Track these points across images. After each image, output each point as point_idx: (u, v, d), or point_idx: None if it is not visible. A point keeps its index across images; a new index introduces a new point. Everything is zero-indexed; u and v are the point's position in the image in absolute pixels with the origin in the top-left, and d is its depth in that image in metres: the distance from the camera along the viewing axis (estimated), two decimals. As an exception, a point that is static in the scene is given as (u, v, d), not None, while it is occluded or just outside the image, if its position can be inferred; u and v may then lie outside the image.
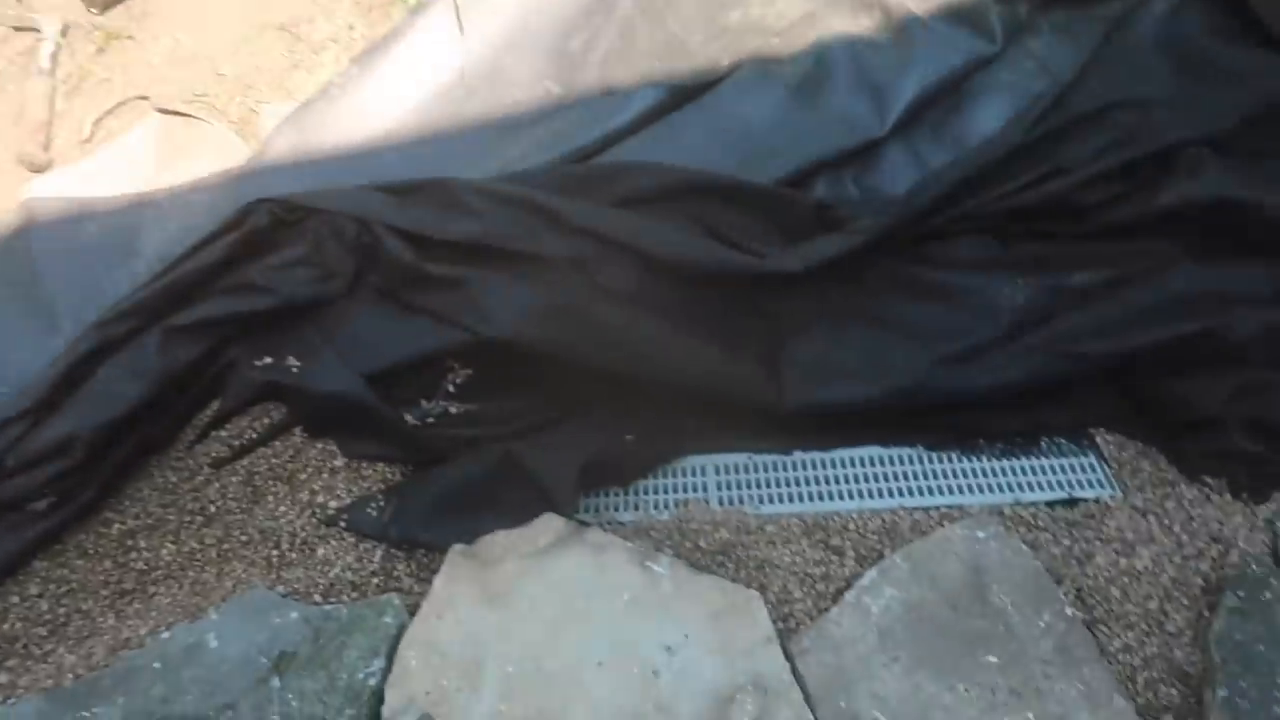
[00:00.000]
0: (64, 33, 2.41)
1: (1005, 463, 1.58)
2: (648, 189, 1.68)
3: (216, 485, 1.63)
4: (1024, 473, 1.56)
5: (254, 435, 1.66)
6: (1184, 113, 1.57)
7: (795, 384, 1.56)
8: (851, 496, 1.54)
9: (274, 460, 1.64)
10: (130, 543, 1.57)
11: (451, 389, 1.65)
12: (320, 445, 1.65)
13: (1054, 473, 1.55)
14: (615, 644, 1.26)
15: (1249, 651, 1.21)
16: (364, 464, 1.62)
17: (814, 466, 1.60)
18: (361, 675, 1.26)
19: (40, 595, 1.51)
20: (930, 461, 1.59)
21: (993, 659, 1.22)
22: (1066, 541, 1.44)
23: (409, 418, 1.62)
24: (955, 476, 1.56)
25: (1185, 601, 1.35)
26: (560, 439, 1.58)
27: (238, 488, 1.62)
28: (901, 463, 1.59)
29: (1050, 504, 1.50)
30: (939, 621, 1.27)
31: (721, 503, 1.54)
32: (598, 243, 1.59)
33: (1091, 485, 1.53)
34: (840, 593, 1.35)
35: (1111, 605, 1.34)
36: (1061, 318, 1.54)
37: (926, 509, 1.51)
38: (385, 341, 1.63)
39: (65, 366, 1.60)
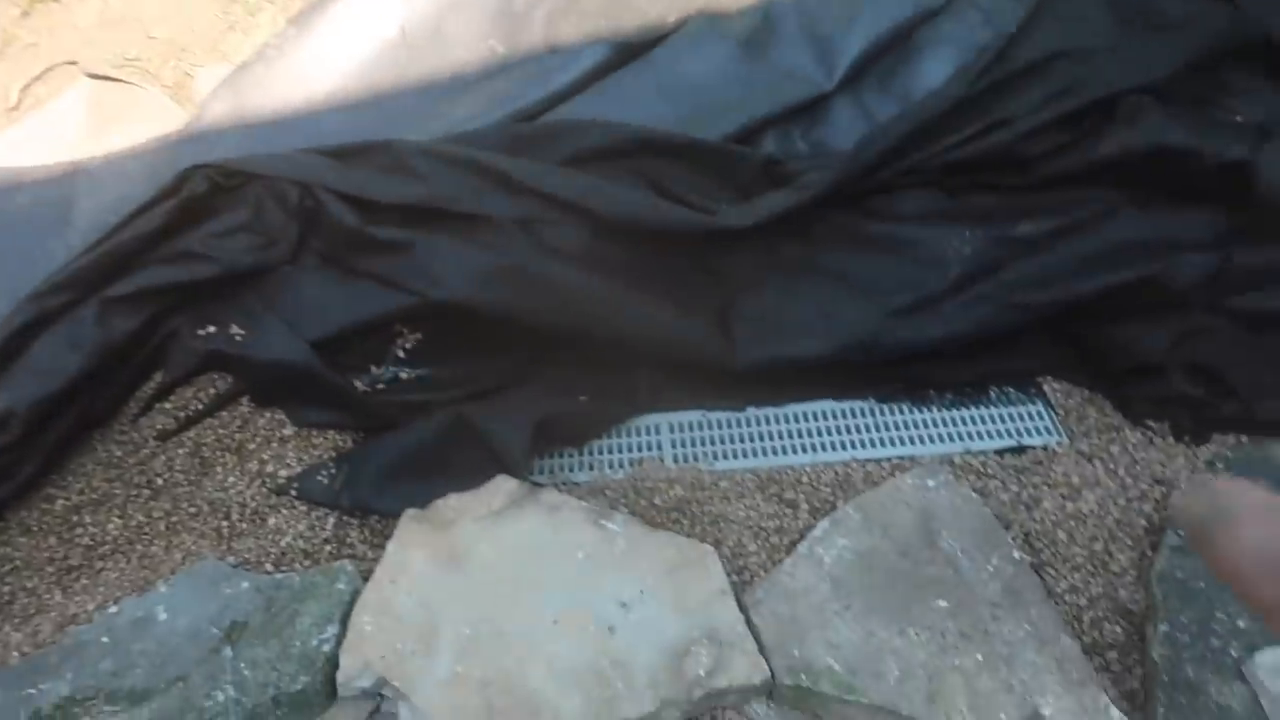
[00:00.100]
0: (-13, -4, 2.33)
1: (955, 413, 1.60)
2: (595, 147, 1.66)
3: (163, 458, 1.60)
4: (973, 422, 1.58)
5: (200, 406, 1.63)
6: (1125, 62, 1.58)
7: (747, 340, 1.56)
8: (805, 450, 1.55)
9: (221, 431, 1.62)
10: (75, 518, 1.54)
11: (401, 354, 1.63)
12: (268, 414, 1.63)
13: (1002, 421, 1.57)
14: (571, 602, 1.26)
15: (1188, 588, 1.24)
16: (314, 432, 1.60)
17: (767, 422, 1.60)
18: (315, 642, 1.25)
19: (-17, 574, 1.48)
20: (882, 414, 1.60)
21: (943, 603, 1.24)
22: (1015, 487, 1.46)
23: (358, 384, 1.60)
24: (906, 428, 1.58)
25: (1129, 542, 1.38)
26: (513, 401, 1.57)
27: (185, 459, 1.59)
28: (853, 415, 1.60)
29: (999, 452, 1.53)
30: (890, 569, 1.28)
31: (676, 460, 1.55)
32: (545, 203, 1.57)
33: (1039, 433, 1.55)
34: (794, 545, 1.37)
35: (1058, 548, 1.37)
36: (1008, 268, 1.55)
37: (878, 460, 1.53)
38: (331, 307, 1.60)
39: (0, 341, 1.56)
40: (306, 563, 1.43)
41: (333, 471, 1.52)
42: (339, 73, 1.98)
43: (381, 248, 1.59)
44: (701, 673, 1.17)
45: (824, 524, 1.35)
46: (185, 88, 2.12)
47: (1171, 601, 1.23)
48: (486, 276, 1.53)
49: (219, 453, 1.59)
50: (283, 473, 1.54)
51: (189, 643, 1.27)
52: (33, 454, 1.52)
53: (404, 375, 1.61)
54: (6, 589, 1.46)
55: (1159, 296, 1.51)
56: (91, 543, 1.51)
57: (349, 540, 1.47)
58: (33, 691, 1.23)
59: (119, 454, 1.60)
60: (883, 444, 1.55)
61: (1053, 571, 1.34)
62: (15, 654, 1.34)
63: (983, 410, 1.59)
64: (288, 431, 1.60)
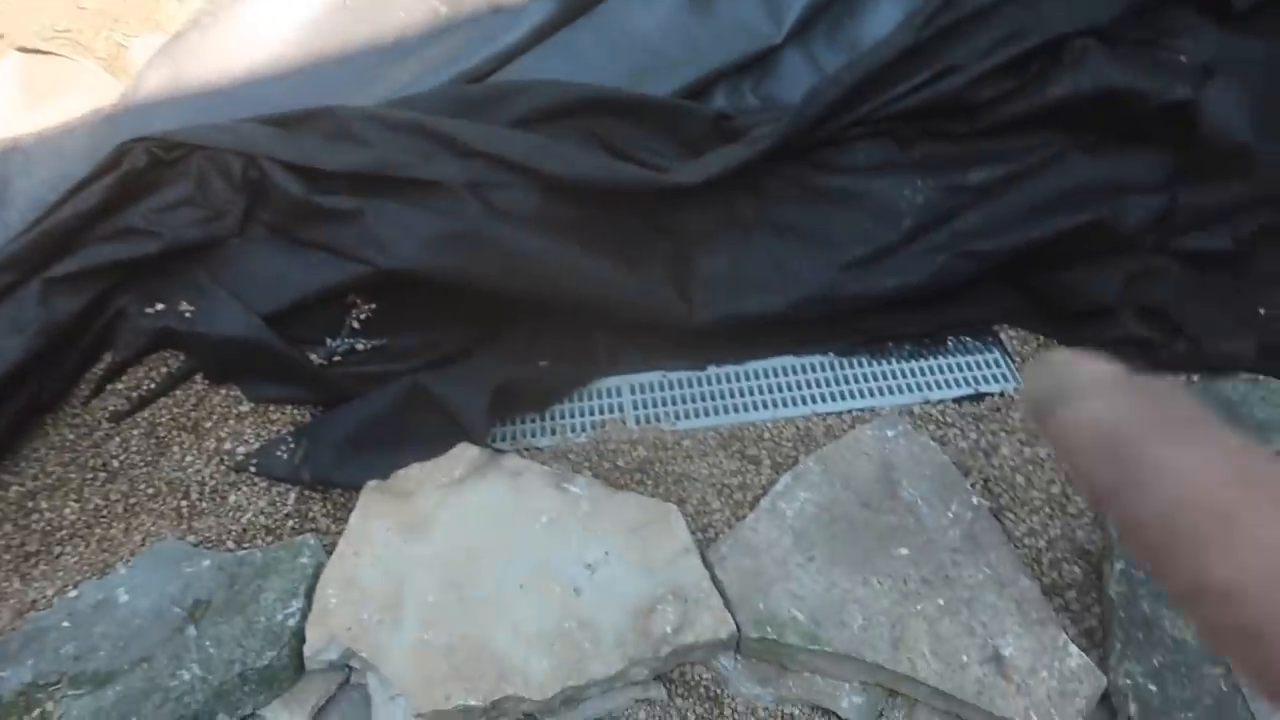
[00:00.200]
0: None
1: (913, 364, 1.61)
2: (543, 107, 1.63)
3: (118, 439, 1.57)
4: (932, 372, 1.59)
5: (152, 385, 1.60)
6: (1070, 5, 1.58)
7: (704, 299, 1.56)
8: (766, 407, 1.56)
9: (176, 410, 1.59)
10: (30, 504, 1.51)
11: (356, 325, 1.61)
12: (224, 391, 1.60)
13: (960, 370, 1.59)
14: (535, 566, 1.26)
15: (1143, 525, 1.27)
16: (271, 407, 1.58)
17: (728, 380, 1.61)
18: (280, 617, 1.24)
19: (-64, 564, 1.45)
20: (841, 368, 1.61)
21: (904, 551, 1.26)
22: (973, 435, 1.48)
23: (314, 357, 1.58)
24: (866, 380, 1.59)
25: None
26: (471, 368, 1.56)
27: (140, 440, 1.57)
28: (813, 370, 1.61)
29: (957, 400, 1.54)
30: (852, 519, 1.30)
31: (638, 421, 1.55)
32: (495, 165, 1.55)
33: (996, 380, 1.57)
34: (757, 500, 1.38)
35: (1017, 492, 1.39)
36: (961, 217, 1.56)
37: (839, 413, 1.54)
38: (282, 280, 1.57)
39: (-61, 327, 1.52)
40: (269, 539, 1.42)
41: (292, 446, 1.50)
42: (278, 38, 1.92)
43: (330, 217, 1.56)
44: (668, 630, 1.18)
45: (786, 478, 1.36)
46: (119, 59, 2.05)
47: (1126, 539, 1.26)
48: (438, 243, 1.51)
49: (175, 432, 1.57)
50: (241, 450, 1.52)
51: (152, 623, 1.26)
52: (-19, 441, 1.49)
53: (360, 346, 1.59)
54: (-38, 578, 1.44)
55: (1109, 239, 1.52)
56: (49, 528, 1.49)
57: (311, 514, 1.46)
58: (-7, 680, 1.21)
59: (72, 437, 1.58)
60: (843, 397, 1.56)
61: (1012, 516, 1.36)
62: (-26, 643, 1.33)
63: (941, 360, 1.61)
64: (244, 408, 1.58)
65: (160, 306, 1.58)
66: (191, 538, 1.41)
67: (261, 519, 1.43)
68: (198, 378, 1.62)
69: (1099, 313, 1.54)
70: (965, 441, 1.47)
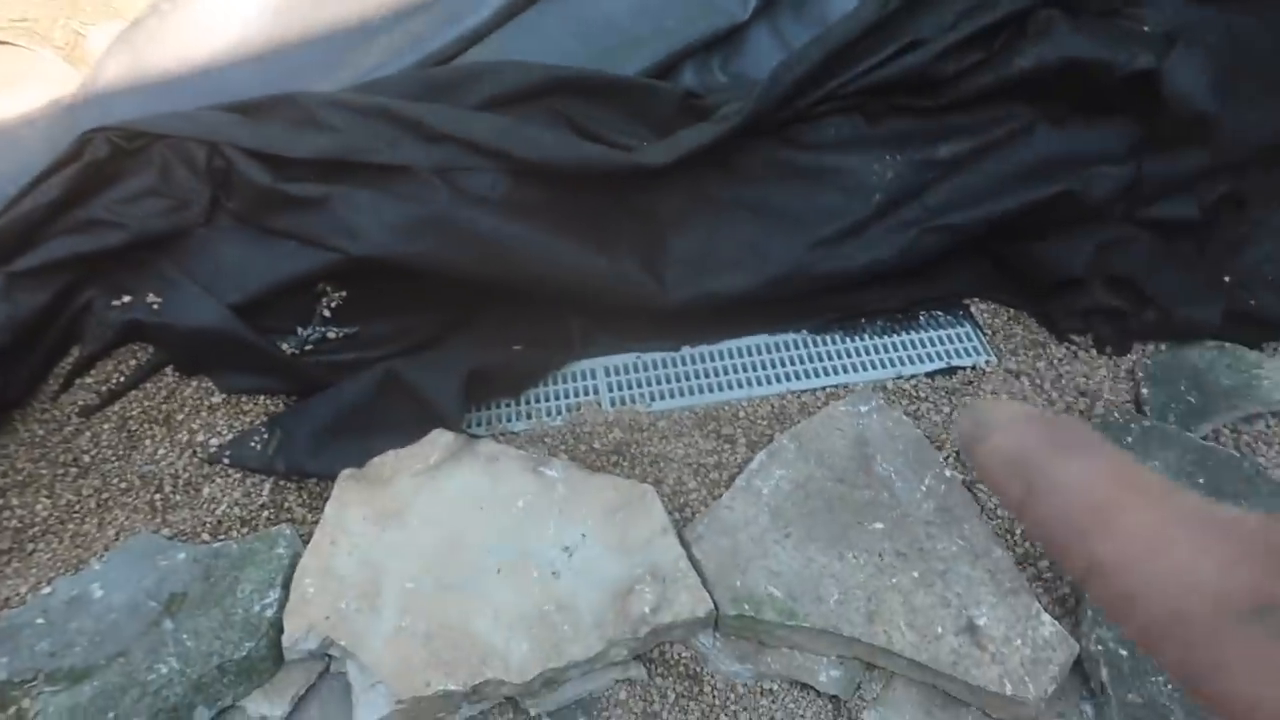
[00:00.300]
0: None
1: (886, 339, 1.62)
2: (511, 89, 1.62)
3: (88, 434, 1.55)
4: (904, 347, 1.60)
5: (122, 379, 1.59)
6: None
7: (677, 279, 1.55)
8: (740, 385, 1.56)
9: (147, 403, 1.58)
10: (1, 501, 1.49)
11: (327, 313, 1.59)
12: (195, 383, 1.59)
13: (932, 344, 1.60)
14: (513, 551, 1.26)
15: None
16: (243, 398, 1.57)
17: (702, 360, 1.61)
18: (258, 608, 1.24)
19: (-94, 564, 1.43)
20: (815, 345, 1.62)
21: (879, 525, 1.27)
22: (946, 408, 1.49)
23: (285, 346, 1.56)
24: (839, 357, 1.60)
25: (1057, 454, 1.41)
26: (444, 354, 1.55)
27: (111, 435, 1.55)
28: (787, 348, 1.61)
29: (930, 374, 1.55)
30: (827, 495, 1.31)
31: (613, 403, 1.55)
32: (463, 149, 1.53)
33: (968, 353, 1.58)
34: (733, 479, 1.38)
35: (989, 464, 1.40)
36: (931, 191, 1.56)
37: (813, 390, 1.55)
38: (250, 269, 1.56)
39: (-99, 324, 1.49)
40: (244, 530, 1.41)
41: (265, 436, 1.49)
42: (239, 24, 1.89)
43: (297, 204, 1.54)
44: (647, 610, 1.18)
45: (761, 456, 1.37)
46: (78, 48, 2.02)
47: (1096, 508, 1.27)
48: (407, 228, 1.50)
49: (146, 425, 1.56)
50: (214, 441, 1.51)
51: (128, 618, 1.25)
52: (-52, 439, 1.47)
53: (331, 334, 1.58)
54: (-66, 578, 1.42)
55: (1077, 210, 1.53)
56: (20, 525, 1.47)
57: (286, 504, 1.45)
58: (-32, 679, 1.20)
59: (42, 433, 1.56)
60: (816, 374, 1.57)
61: (984, 488, 1.38)
62: (-53, 643, 1.31)
63: (913, 335, 1.62)
64: (216, 399, 1.57)
65: (127, 299, 1.56)
66: (166, 531, 1.40)
67: (236, 510, 1.42)
68: (168, 370, 1.60)
69: (1069, 284, 1.55)
70: (938, 415, 1.48)
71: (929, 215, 1.55)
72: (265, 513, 1.43)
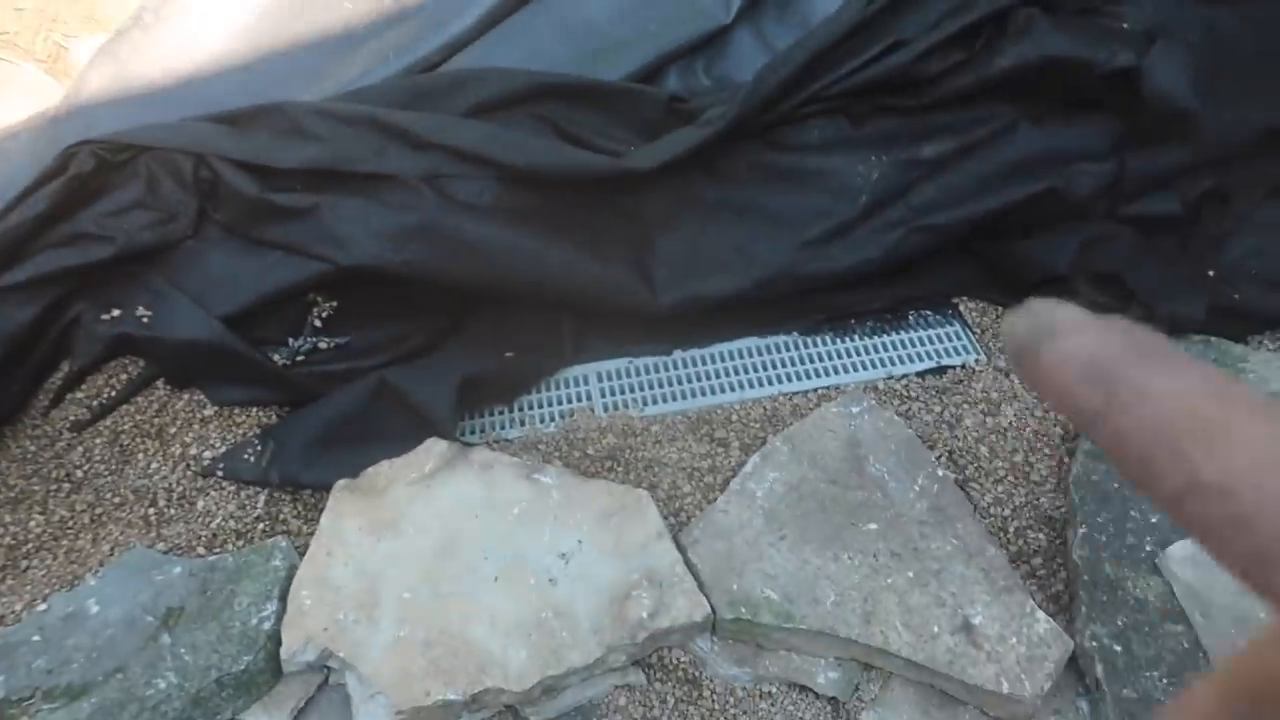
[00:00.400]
0: None
1: (876, 340, 1.63)
2: (496, 95, 1.62)
3: (80, 449, 1.55)
4: (894, 348, 1.61)
5: (113, 393, 1.58)
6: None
7: (666, 283, 1.56)
8: (733, 389, 1.57)
9: (139, 417, 1.57)
10: (-7, 519, 1.49)
11: (318, 323, 1.59)
12: (187, 395, 1.58)
13: (922, 344, 1.61)
14: (509, 558, 1.26)
15: (1103, 489, 1.30)
16: (236, 410, 1.56)
17: (694, 364, 1.61)
18: (255, 621, 1.24)
19: (-101, 583, 1.43)
20: (805, 347, 1.62)
21: (873, 526, 1.28)
22: (937, 408, 1.50)
23: (277, 357, 1.56)
24: (830, 359, 1.61)
25: (1047, 451, 1.43)
26: (437, 362, 1.56)
27: (104, 449, 1.55)
28: (778, 350, 1.62)
29: (920, 374, 1.56)
30: (820, 497, 1.32)
31: (607, 409, 1.55)
32: (450, 156, 1.53)
33: (958, 352, 1.59)
34: (727, 482, 1.39)
35: (981, 463, 1.42)
36: (916, 191, 1.57)
37: (805, 392, 1.55)
38: (239, 280, 1.55)
39: (-112, 342, 1.48)
40: (240, 542, 1.41)
41: (259, 448, 1.49)
42: (223, 34, 1.89)
43: (285, 215, 1.54)
44: (644, 615, 1.19)
45: (754, 459, 1.38)
46: (60, 60, 2.00)
47: (1088, 504, 1.29)
48: (396, 237, 1.50)
49: (139, 439, 1.55)
50: (207, 454, 1.51)
51: (124, 633, 1.25)
52: (-62, 457, 1.46)
53: (323, 345, 1.58)
54: (-73, 597, 1.42)
55: (1061, 208, 1.55)
56: (14, 542, 1.47)
57: (282, 516, 1.45)
58: (-35, 699, 1.20)
59: (33, 449, 1.55)
60: (808, 376, 1.58)
61: (977, 486, 1.39)
62: (-57, 663, 1.31)
63: (903, 335, 1.63)
64: (208, 412, 1.56)
65: (117, 312, 1.56)
66: (161, 545, 1.40)
67: (231, 523, 1.42)
68: (159, 383, 1.60)
69: (1053, 281, 1.56)
70: (929, 415, 1.49)
71: (914, 215, 1.56)
72: (260, 525, 1.43)
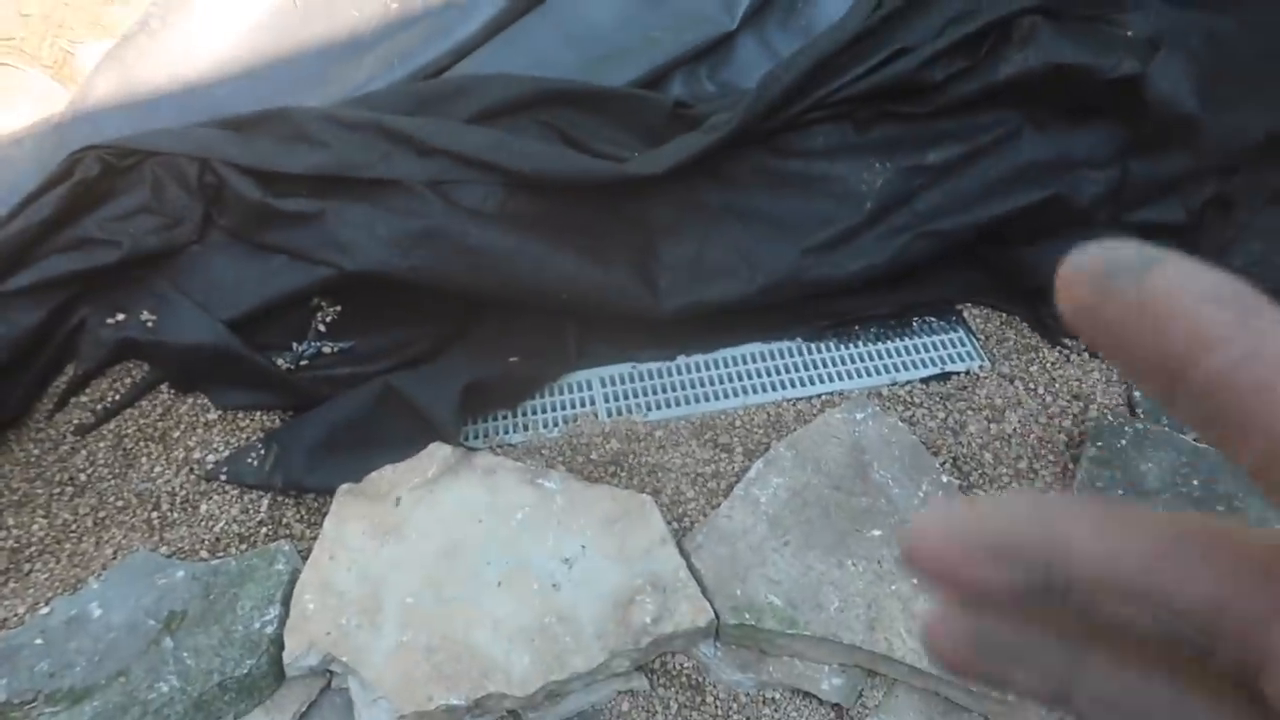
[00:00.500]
0: None
1: (880, 346, 1.63)
2: (501, 101, 1.63)
3: (84, 453, 1.55)
4: (898, 354, 1.61)
5: (117, 397, 1.58)
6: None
7: (670, 288, 1.56)
8: (736, 394, 1.57)
9: (143, 420, 1.57)
10: (-3, 522, 1.49)
11: (322, 328, 1.59)
12: (191, 400, 1.59)
13: (926, 350, 1.61)
14: (513, 563, 1.26)
15: (1108, 495, 1.29)
16: (239, 414, 1.56)
17: (698, 369, 1.61)
18: (258, 625, 1.24)
19: (-98, 587, 1.43)
20: (809, 353, 1.62)
21: (877, 532, 1.28)
22: (941, 414, 1.50)
23: (281, 362, 1.56)
24: (834, 364, 1.61)
25: (1051, 458, 1.43)
26: (440, 367, 1.56)
27: (107, 453, 1.55)
28: (782, 356, 1.62)
29: (924, 380, 1.56)
30: (825, 503, 1.31)
31: (610, 414, 1.55)
32: (455, 162, 1.54)
33: (962, 359, 1.59)
34: (730, 488, 1.39)
35: (985, 469, 1.41)
36: (921, 197, 1.57)
37: (808, 398, 1.55)
38: (244, 285, 1.56)
39: (-106, 346, 1.49)
40: (243, 547, 1.41)
41: (262, 452, 1.49)
42: (229, 40, 1.89)
43: (290, 220, 1.55)
44: (648, 620, 1.19)
45: (758, 465, 1.38)
46: (66, 65, 2.01)
47: (1092, 510, 1.28)
48: (401, 242, 1.50)
49: (142, 443, 1.55)
50: (211, 458, 1.51)
51: (127, 636, 1.25)
52: (-58, 460, 1.46)
53: (327, 349, 1.58)
54: (-70, 601, 1.42)
55: (1065, 214, 1.55)
56: (17, 545, 1.47)
57: (285, 520, 1.45)
58: (-33, 702, 1.20)
59: (37, 452, 1.55)
60: (812, 382, 1.58)
61: (981, 492, 1.39)
62: (-55, 666, 1.31)
63: (907, 341, 1.63)
64: (212, 416, 1.56)
65: (121, 317, 1.56)
66: (164, 549, 1.40)
67: (234, 527, 1.42)
68: (163, 387, 1.60)
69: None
70: (933, 421, 1.49)
71: (919, 221, 1.56)
72: (264, 529, 1.43)
